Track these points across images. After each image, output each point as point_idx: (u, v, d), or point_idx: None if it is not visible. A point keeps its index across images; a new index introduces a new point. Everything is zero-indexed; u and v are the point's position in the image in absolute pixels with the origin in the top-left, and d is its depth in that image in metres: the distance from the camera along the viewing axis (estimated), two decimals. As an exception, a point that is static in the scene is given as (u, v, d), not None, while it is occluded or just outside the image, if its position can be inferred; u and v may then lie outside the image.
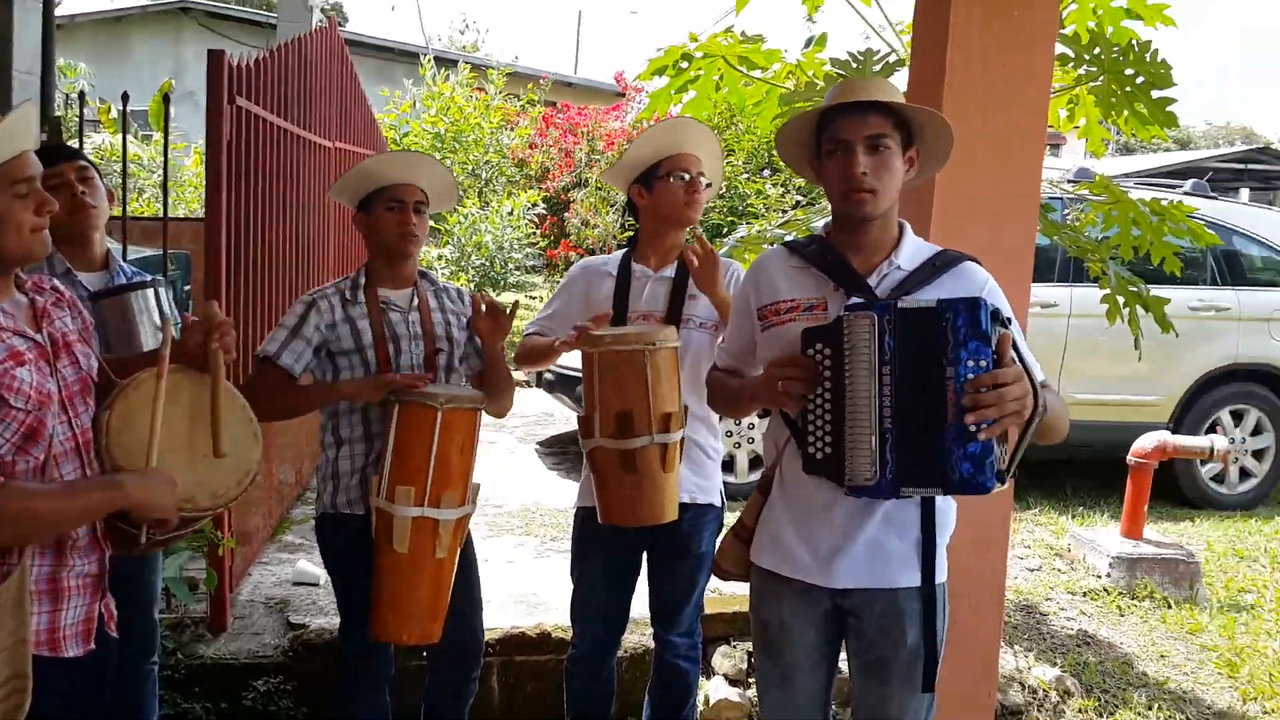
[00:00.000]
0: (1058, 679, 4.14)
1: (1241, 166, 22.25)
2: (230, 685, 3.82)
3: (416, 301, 2.99)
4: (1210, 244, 4.25)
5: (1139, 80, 3.87)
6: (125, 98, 4.24)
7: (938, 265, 2.26)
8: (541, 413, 8.34)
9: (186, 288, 6.28)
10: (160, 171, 4.55)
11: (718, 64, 4.35)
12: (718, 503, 3.13)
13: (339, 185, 2.99)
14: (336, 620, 3.18)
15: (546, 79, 16.97)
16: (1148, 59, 3.80)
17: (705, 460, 3.09)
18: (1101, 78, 3.93)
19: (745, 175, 12.54)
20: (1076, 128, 4.38)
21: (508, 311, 2.94)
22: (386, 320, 2.91)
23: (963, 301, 1.99)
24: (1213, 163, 20.62)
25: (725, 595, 4.30)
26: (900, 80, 3.33)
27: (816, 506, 2.27)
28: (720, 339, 2.84)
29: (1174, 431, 6.31)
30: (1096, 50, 3.84)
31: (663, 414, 2.74)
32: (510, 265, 12.16)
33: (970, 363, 1.95)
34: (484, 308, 2.94)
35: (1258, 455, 7.05)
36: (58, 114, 8.66)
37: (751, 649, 3.53)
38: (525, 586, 4.54)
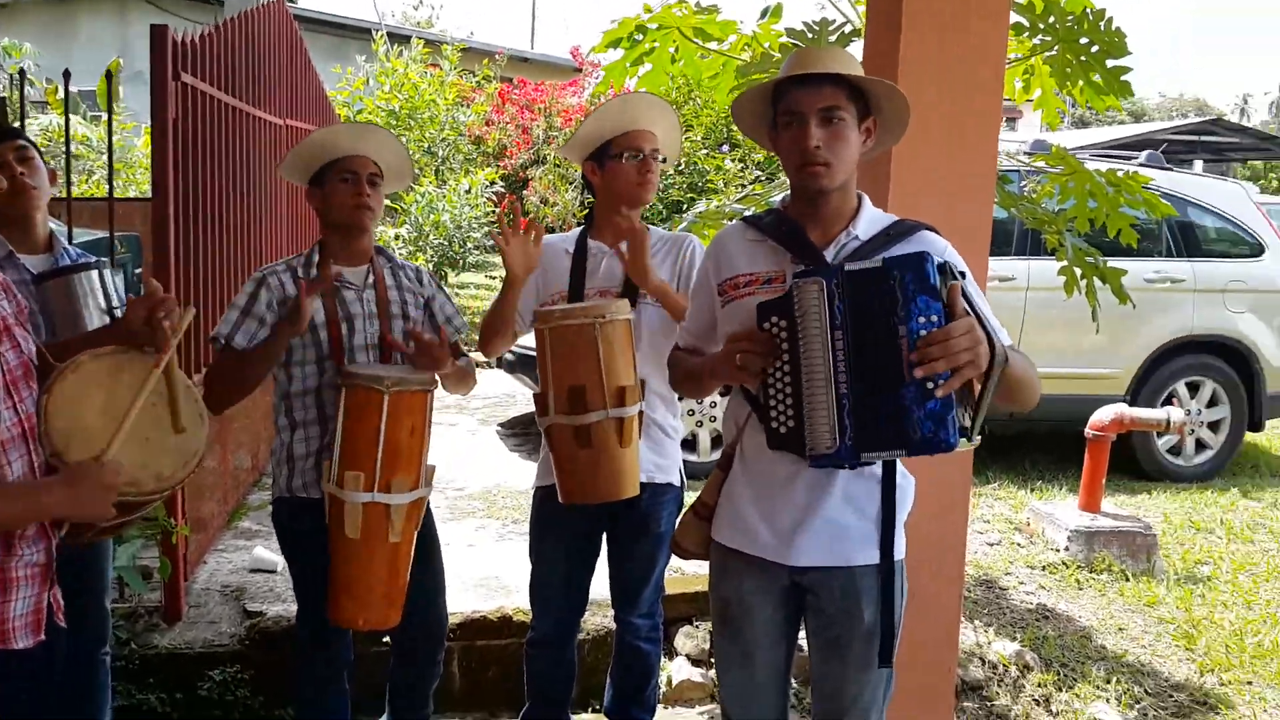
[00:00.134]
0: (1017, 653, 4.16)
1: (1195, 139, 22.49)
2: (186, 675, 3.75)
3: (372, 279, 2.92)
4: (1166, 214, 4.27)
5: (1094, 49, 3.88)
6: (67, 75, 4.14)
7: (892, 234, 2.24)
8: (503, 394, 8.29)
9: (138, 270, 6.18)
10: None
11: (673, 35, 4.30)
12: (677, 482, 3.10)
13: (289, 161, 2.91)
14: (294, 608, 3.13)
15: (502, 54, 16.80)
16: (1102, 27, 3.80)
17: (664, 438, 3.06)
18: (1056, 47, 3.93)
19: (705, 151, 12.50)
20: (1031, 100, 4.38)
21: (439, 344, 2.79)
22: (340, 299, 2.84)
23: (908, 258, 1.96)
24: (1166, 135, 20.81)
25: (687, 575, 4.30)
26: (857, 50, 3.30)
27: (777, 482, 2.25)
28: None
29: (1131, 404, 6.37)
30: (1051, 19, 3.83)
31: (617, 388, 2.70)
32: (469, 244, 12.04)
33: (921, 319, 1.91)
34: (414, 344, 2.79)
35: (1213, 427, 7.14)
36: (2, 95, 8.48)
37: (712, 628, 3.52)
38: (487, 570, 4.50)
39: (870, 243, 2.22)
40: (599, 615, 3.91)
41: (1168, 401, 6.93)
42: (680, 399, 3.15)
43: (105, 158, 10.91)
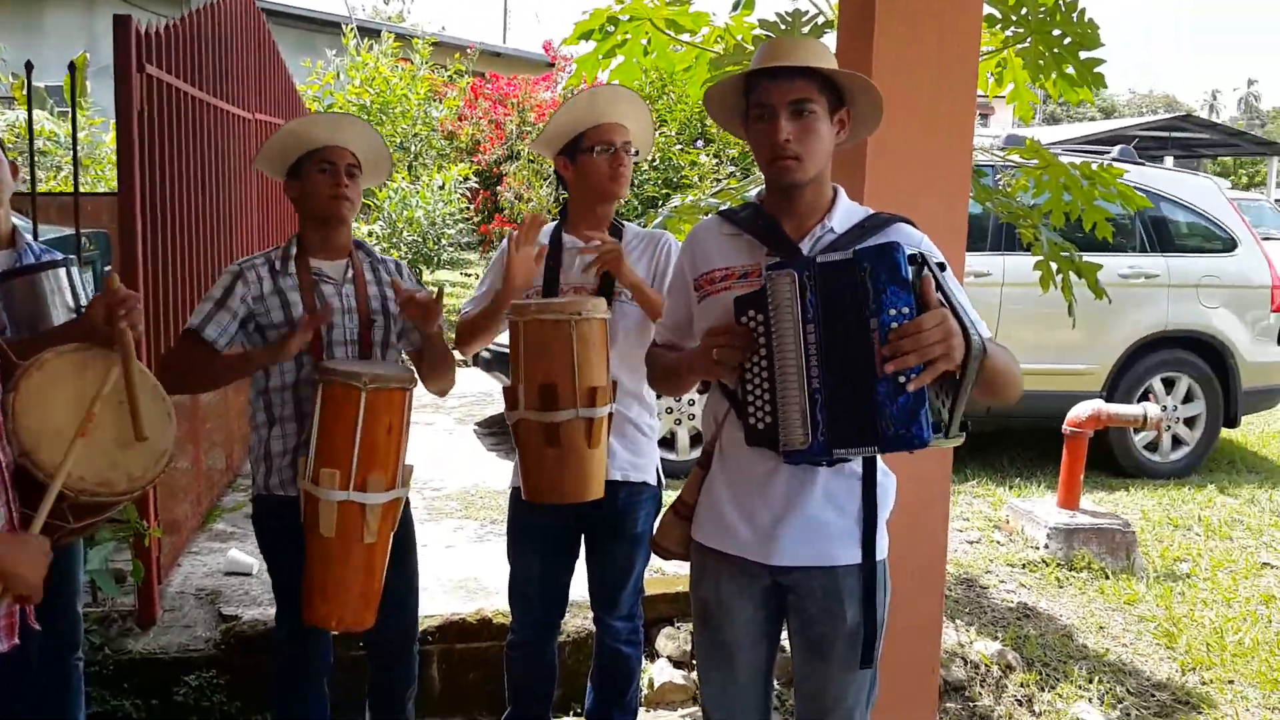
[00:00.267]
0: (999, 653, 4.14)
1: (1165, 135, 22.71)
2: (160, 680, 3.69)
3: (351, 273, 2.87)
4: (1141, 207, 4.26)
5: (1066, 41, 3.86)
6: (29, 67, 4.06)
7: (868, 226, 2.21)
8: (480, 393, 8.24)
9: (107, 267, 6.08)
10: (79, 147, 4.38)
11: (645, 27, 4.27)
12: (653, 481, 3.06)
13: (264, 153, 2.86)
14: (270, 611, 3.08)
15: (474, 49, 16.70)
16: (1075, 19, 3.79)
17: (639, 437, 3.03)
18: (1029, 39, 3.92)
19: (679, 146, 12.47)
20: (1003, 96, 4.37)
21: (435, 296, 2.81)
22: (318, 293, 2.80)
23: (879, 248, 1.92)
24: (1137, 131, 21.01)
25: (668, 575, 4.27)
26: (831, 41, 3.28)
27: (756, 479, 2.23)
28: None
29: (1107, 400, 6.38)
30: (1024, 11, 3.82)
31: (589, 388, 2.66)
32: (444, 241, 11.96)
33: (893, 311, 1.86)
34: (411, 296, 2.79)
35: (1189, 423, 7.15)
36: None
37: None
38: (465, 571, 4.45)
39: (846, 235, 2.19)
40: (580, 617, 3.87)
41: (1144, 398, 6.95)
42: (658, 397, 3.11)
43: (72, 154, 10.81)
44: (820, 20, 4.16)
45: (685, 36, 4.34)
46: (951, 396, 1.95)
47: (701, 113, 12.56)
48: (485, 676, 3.84)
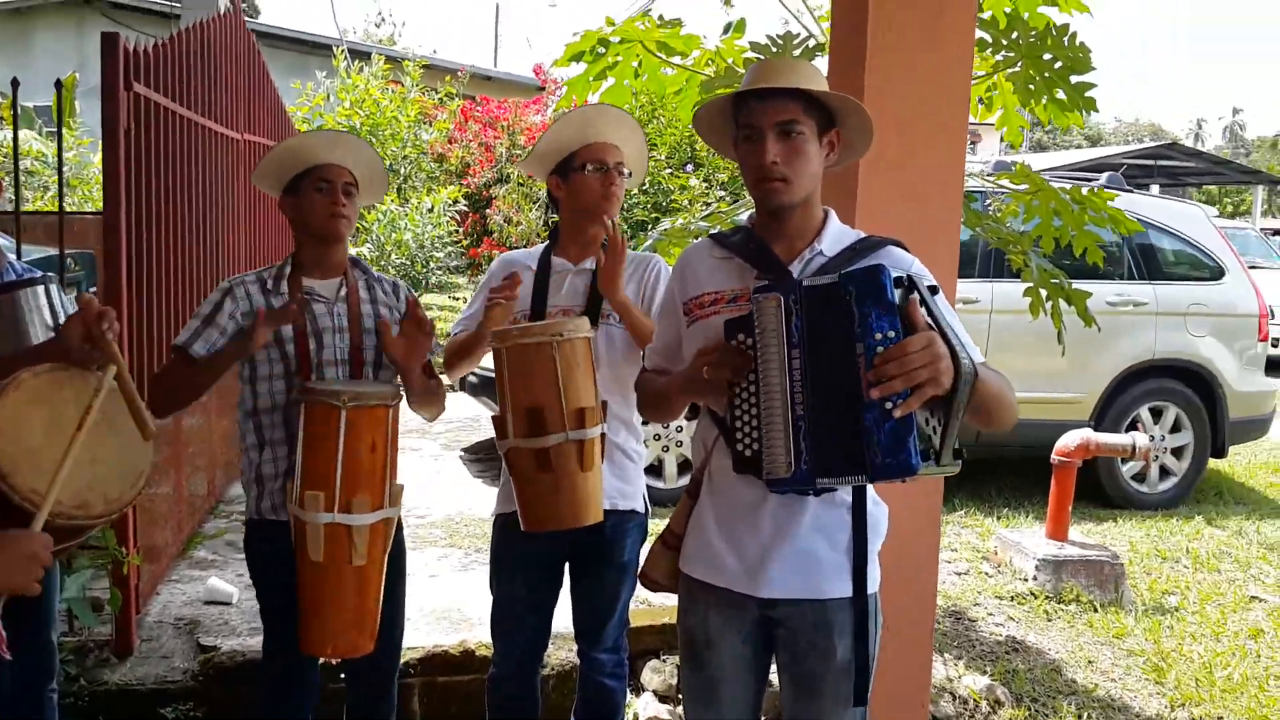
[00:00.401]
0: (988, 688, 4.09)
1: (1151, 163, 22.85)
2: (137, 712, 3.61)
3: (344, 291, 2.84)
4: (1132, 231, 4.24)
5: (1058, 65, 3.86)
6: (15, 83, 4.03)
7: (859, 249, 2.18)
8: (466, 418, 8.16)
9: (92, 288, 6.03)
10: (67, 168, 4.33)
11: (636, 50, 4.26)
12: (640, 508, 3.01)
13: (261, 169, 2.83)
14: (250, 641, 3.01)
15: (464, 72, 16.74)
16: (1066, 43, 3.78)
17: (627, 463, 2.97)
18: (1020, 63, 3.91)
19: (669, 170, 12.48)
20: (991, 122, 4.36)
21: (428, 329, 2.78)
22: (309, 312, 2.76)
23: (864, 271, 1.87)
24: (1123, 159, 21.14)
25: (655, 607, 4.20)
26: (822, 65, 3.27)
27: (744, 508, 2.18)
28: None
29: (1095, 429, 6.35)
30: (1015, 35, 3.82)
31: (576, 409, 2.60)
32: (433, 264, 11.93)
33: (879, 335, 1.81)
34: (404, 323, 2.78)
35: (1176, 453, 7.11)
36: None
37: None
38: (449, 601, 4.38)
39: (836, 258, 2.16)
40: (565, 649, 3.80)
41: (1132, 427, 6.92)
42: (645, 423, 3.07)
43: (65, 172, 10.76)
44: (812, 43, 4.15)
45: (676, 59, 4.34)
46: (942, 422, 1.89)
47: (692, 136, 12.58)
48: (468, 711, 3.75)
